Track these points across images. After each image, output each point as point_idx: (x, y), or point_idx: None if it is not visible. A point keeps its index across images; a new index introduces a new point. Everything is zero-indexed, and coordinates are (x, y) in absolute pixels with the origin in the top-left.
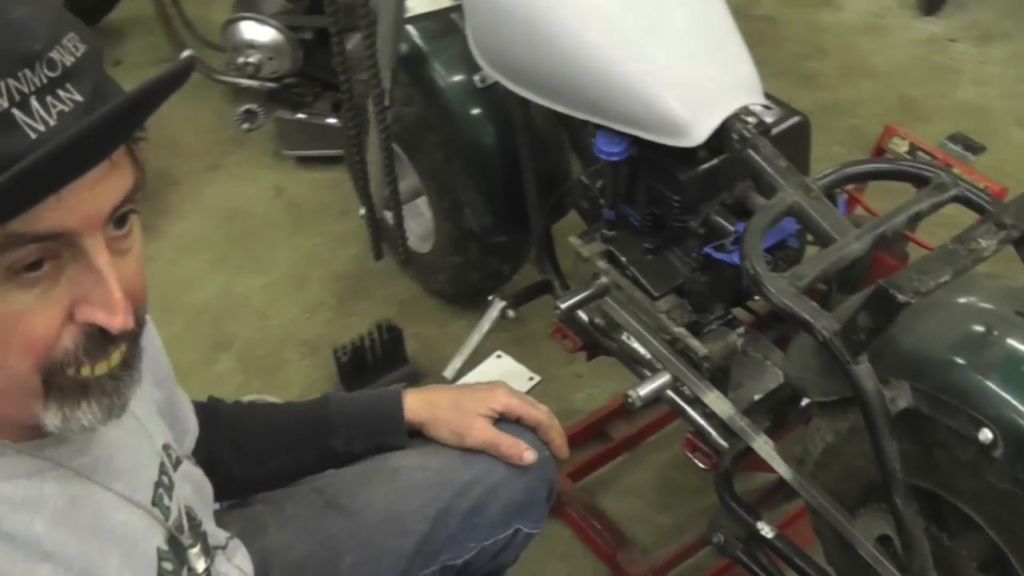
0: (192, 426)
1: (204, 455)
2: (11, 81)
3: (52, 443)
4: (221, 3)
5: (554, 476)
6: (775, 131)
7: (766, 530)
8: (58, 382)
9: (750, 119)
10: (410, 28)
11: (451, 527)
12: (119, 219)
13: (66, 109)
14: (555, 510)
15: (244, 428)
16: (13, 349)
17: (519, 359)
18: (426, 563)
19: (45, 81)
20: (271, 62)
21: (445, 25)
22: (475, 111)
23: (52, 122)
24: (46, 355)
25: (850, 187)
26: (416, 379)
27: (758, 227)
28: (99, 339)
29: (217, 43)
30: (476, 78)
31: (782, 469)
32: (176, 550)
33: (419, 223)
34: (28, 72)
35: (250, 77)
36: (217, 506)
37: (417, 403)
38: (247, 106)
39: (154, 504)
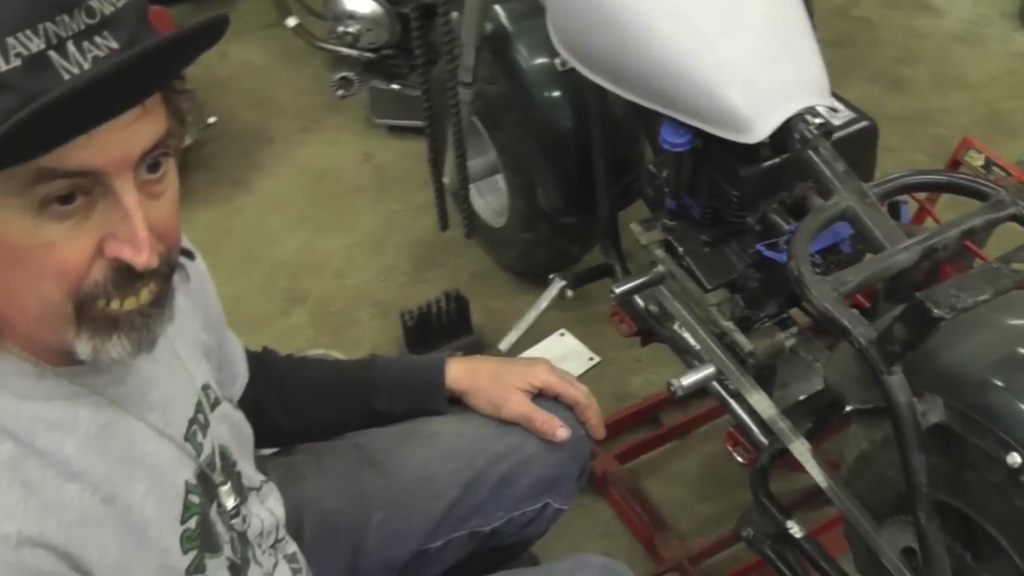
0: (241, 372)
1: (252, 402)
2: (49, 25)
3: (89, 371)
4: None
5: (587, 456)
6: (839, 135)
7: (795, 529)
8: (89, 314)
9: (814, 120)
10: (498, 8)
11: (481, 494)
12: (152, 164)
13: (101, 55)
14: (599, 489)
15: (293, 380)
16: (46, 277)
17: (581, 339)
18: (455, 527)
19: (83, 27)
20: (369, 33)
21: (532, 7)
22: (554, 94)
23: (86, 66)
24: (77, 285)
25: (922, 197)
26: (479, 349)
27: (808, 229)
28: (127, 275)
29: (320, 12)
30: (557, 61)
31: (815, 473)
32: (205, 486)
33: (496, 198)
34: (66, 17)
35: (349, 46)
36: (263, 452)
37: (459, 372)
38: (344, 74)
39: (186, 439)
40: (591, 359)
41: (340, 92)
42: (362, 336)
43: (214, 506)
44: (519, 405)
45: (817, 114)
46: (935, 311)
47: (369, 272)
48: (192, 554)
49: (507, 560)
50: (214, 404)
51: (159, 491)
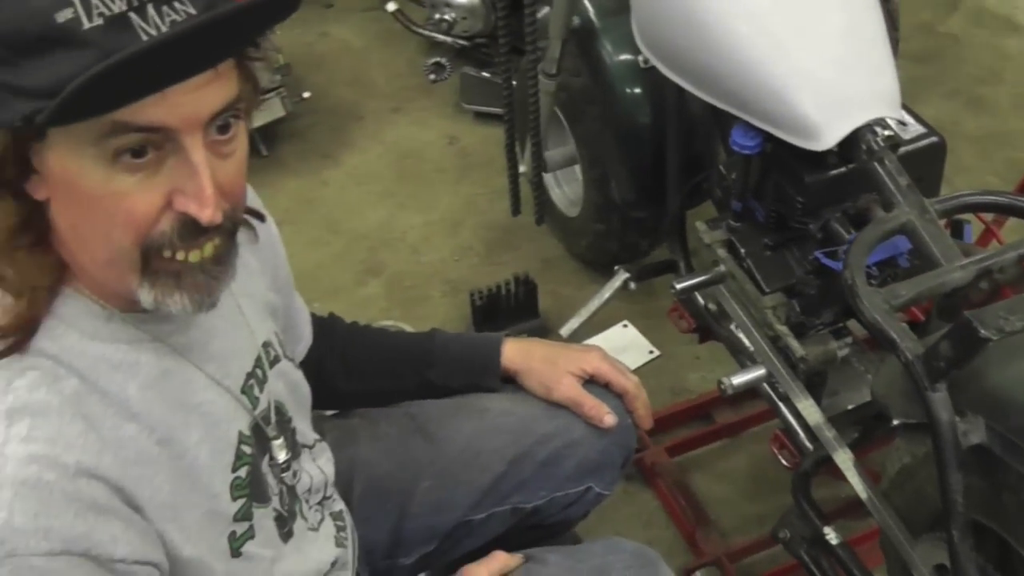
0: (306, 335)
1: (314, 364)
2: None
3: (153, 319)
4: None
5: (632, 444)
6: (907, 149)
7: (831, 536)
8: (154, 264)
9: (883, 132)
10: (586, 3)
11: (525, 472)
12: (222, 125)
13: (178, 19)
14: (647, 479)
15: (355, 345)
16: (117, 225)
17: (643, 331)
18: (498, 502)
19: None
20: (464, 21)
21: (619, 3)
22: (635, 90)
23: (164, 28)
24: (145, 233)
25: (989, 219)
26: (543, 333)
27: (866, 240)
28: (192, 228)
29: None
30: (640, 58)
31: (856, 482)
32: (259, 438)
33: (572, 188)
34: None
35: (444, 33)
36: (322, 413)
37: (514, 352)
38: (437, 59)
39: (243, 392)
40: (651, 352)
41: (432, 76)
42: (432, 312)
43: (266, 458)
44: (569, 388)
45: (886, 126)
46: (982, 331)
47: (444, 251)
48: (240, 502)
49: (547, 538)
50: (273, 361)
51: (213, 439)
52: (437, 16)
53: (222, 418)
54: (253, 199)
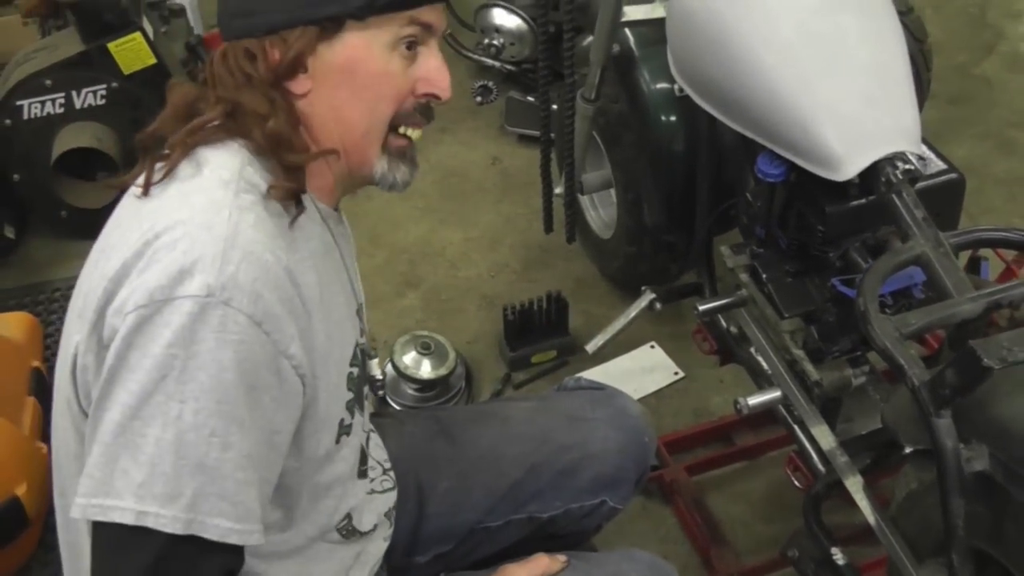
0: None
1: None
2: None
3: (332, 217)
4: None
5: (648, 462)
6: (926, 183)
7: (839, 557)
8: (391, 143)
9: (903, 165)
10: (627, 31)
11: (542, 481)
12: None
13: None
14: (666, 496)
15: None
16: (384, 97)
17: (669, 353)
18: (515, 508)
19: None
20: (512, 47)
21: (659, 33)
22: (670, 118)
23: None
24: (399, 106)
25: (1009, 257)
26: (572, 350)
27: (881, 269)
28: (425, 109)
29: (471, 23)
30: (676, 87)
31: (865, 508)
32: (362, 358)
33: (607, 211)
34: None
35: (492, 57)
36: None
37: None
38: (484, 82)
39: (356, 315)
40: (676, 373)
41: (479, 99)
42: (467, 324)
43: (366, 388)
44: None
45: (907, 160)
46: (985, 360)
47: (481, 266)
48: (351, 394)
49: (561, 549)
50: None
51: (343, 328)
52: (486, 41)
53: (348, 317)
54: None
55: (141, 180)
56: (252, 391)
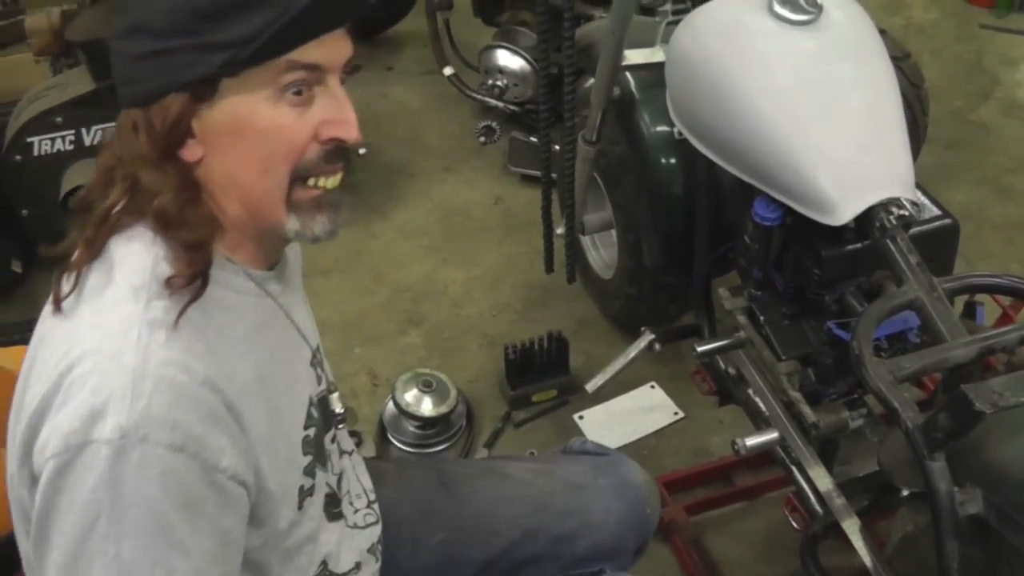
0: None
1: None
2: None
3: (268, 278)
4: (485, 30)
5: (649, 534)
6: (920, 229)
7: None
8: (296, 195)
9: (898, 211)
10: (628, 75)
11: (538, 545)
12: (342, 79)
13: None
14: (665, 535)
15: None
16: (278, 153)
17: (670, 393)
18: (509, 571)
19: None
20: (516, 88)
21: (659, 77)
22: (670, 160)
23: None
24: (298, 159)
25: (1006, 303)
26: (573, 389)
27: (875, 313)
28: (333, 154)
29: (474, 64)
30: (675, 130)
31: (861, 549)
32: (323, 409)
33: (608, 252)
34: None
35: (496, 98)
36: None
37: None
38: (488, 122)
39: (311, 365)
40: (676, 413)
41: (483, 139)
42: (468, 363)
43: (329, 434)
44: None
45: (902, 206)
46: (976, 405)
47: (483, 305)
48: (308, 458)
49: None
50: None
51: (292, 393)
52: (490, 82)
53: (300, 378)
54: None
55: (51, 298)
56: (189, 508)
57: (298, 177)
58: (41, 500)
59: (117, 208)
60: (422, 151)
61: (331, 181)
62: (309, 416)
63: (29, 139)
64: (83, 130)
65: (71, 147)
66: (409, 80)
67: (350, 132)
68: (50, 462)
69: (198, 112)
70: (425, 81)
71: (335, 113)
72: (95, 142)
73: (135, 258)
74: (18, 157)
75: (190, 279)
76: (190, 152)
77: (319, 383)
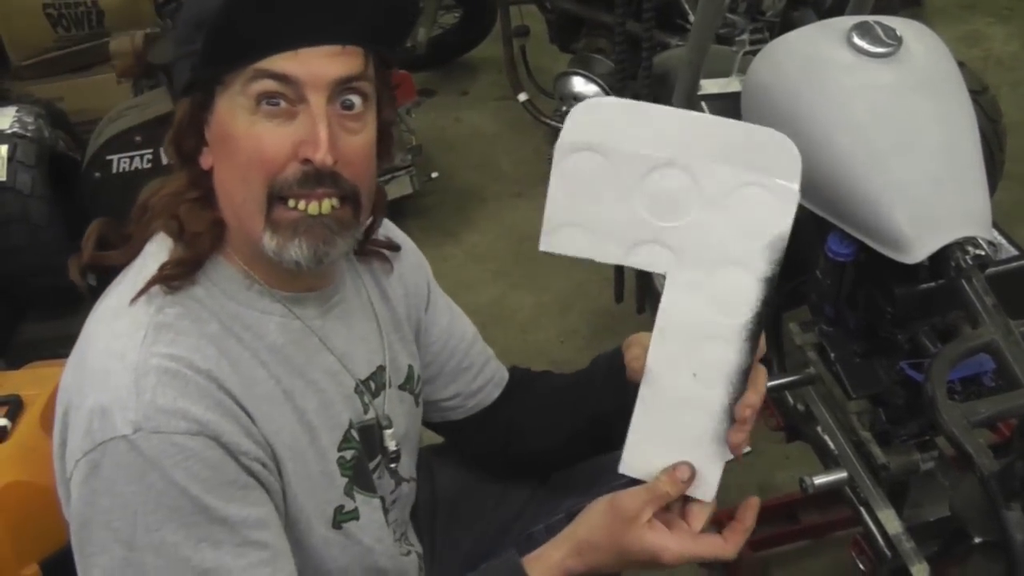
0: (478, 390)
1: (503, 423)
2: None
3: (292, 301)
4: (561, 56)
5: None
6: (996, 269)
7: None
8: (276, 214)
9: (974, 250)
10: (703, 104)
11: (575, 472)
12: (347, 104)
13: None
14: (729, 570)
15: (547, 398)
16: (253, 164)
17: None
18: (553, 508)
19: None
20: None
21: (735, 108)
22: None
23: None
24: (273, 175)
25: None
26: None
27: (949, 355)
28: (311, 178)
29: (549, 90)
30: None
31: None
32: (366, 437)
33: None
34: None
35: None
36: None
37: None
38: None
39: (355, 392)
40: None
41: None
42: None
43: (377, 459)
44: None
45: (978, 245)
46: None
47: (551, 331)
48: (346, 479)
49: None
50: (385, 384)
51: (326, 415)
52: (564, 108)
53: (336, 400)
54: (390, 228)
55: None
56: (226, 487)
57: (276, 195)
58: (82, 504)
59: (149, 212)
60: (495, 176)
61: (312, 207)
62: (347, 438)
63: (109, 157)
64: (161, 149)
65: (148, 165)
66: (483, 105)
67: (315, 151)
68: (80, 464)
69: (206, 120)
70: (499, 106)
71: (305, 132)
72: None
73: (155, 262)
74: (97, 174)
75: (177, 265)
76: (205, 160)
77: (365, 412)
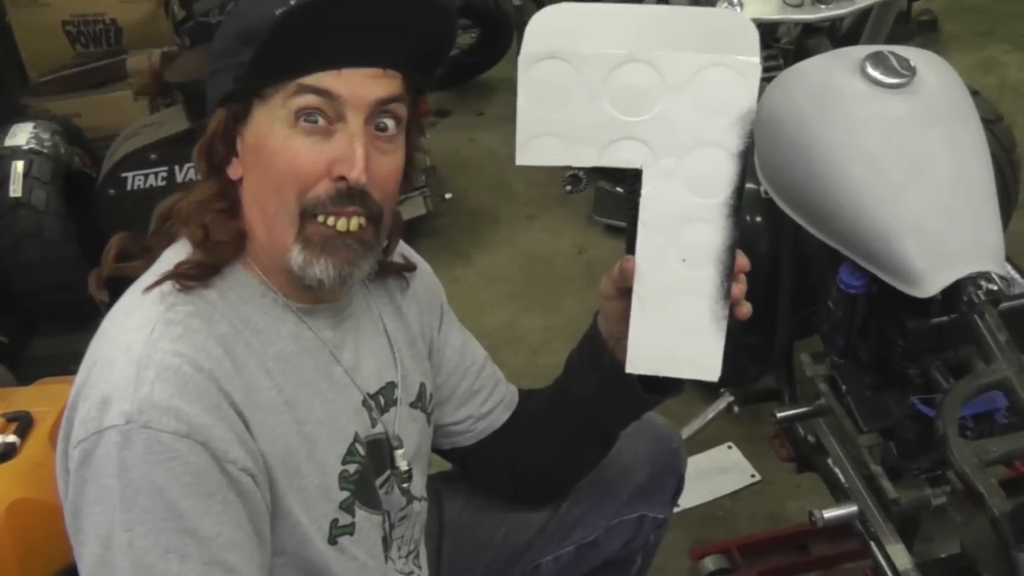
0: (488, 411)
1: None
2: None
3: (306, 312)
4: None
5: (681, 469)
6: (1010, 304)
7: None
8: (309, 230)
9: (987, 285)
10: None
11: (583, 503)
12: (381, 126)
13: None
14: None
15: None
16: (287, 178)
17: (747, 455)
18: (561, 540)
19: None
20: None
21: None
22: (755, 218)
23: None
24: (306, 190)
25: None
26: None
27: (961, 391)
28: (344, 195)
29: None
30: (761, 188)
31: None
32: (373, 450)
33: None
34: None
35: None
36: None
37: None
38: (575, 171)
39: (363, 405)
40: (752, 476)
41: (568, 188)
42: None
43: (385, 474)
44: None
45: (991, 280)
46: None
47: (562, 355)
48: (346, 494)
49: None
50: (396, 401)
51: (331, 426)
52: None
53: (342, 413)
54: (404, 249)
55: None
56: (201, 495)
57: (308, 211)
58: (73, 491)
59: (172, 219)
60: (508, 197)
61: (341, 223)
62: (351, 452)
63: (124, 174)
64: (176, 167)
65: (163, 183)
66: (498, 126)
67: (351, 169)
68: (75, 451)
69: (240, 132)
70: (514, 128)
71: (341, 150)
72: (186, 179)
73: (169, 264)
74: (112, 191)
75: (196, 266)
76: (234, 170)
77: (372, 426)
